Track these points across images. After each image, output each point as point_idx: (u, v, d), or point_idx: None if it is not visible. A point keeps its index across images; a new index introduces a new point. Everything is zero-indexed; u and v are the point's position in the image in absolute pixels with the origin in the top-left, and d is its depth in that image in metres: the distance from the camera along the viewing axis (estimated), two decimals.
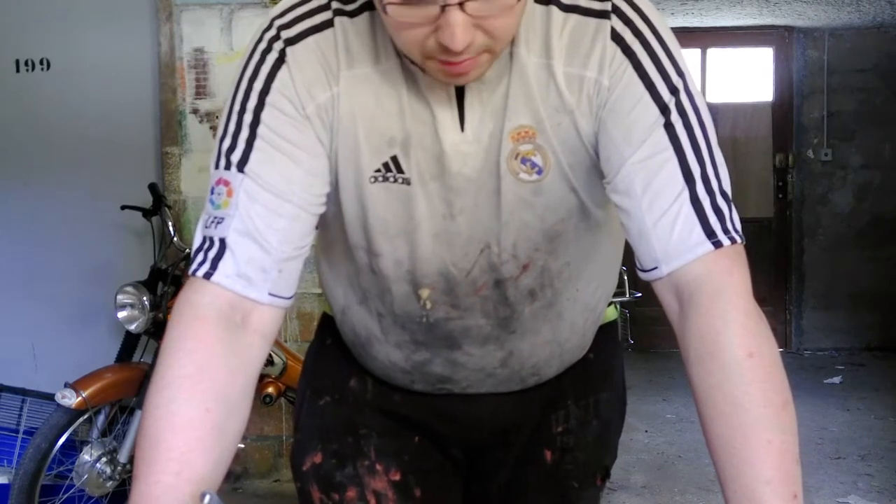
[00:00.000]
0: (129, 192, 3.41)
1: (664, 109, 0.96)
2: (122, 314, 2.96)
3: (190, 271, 0.96)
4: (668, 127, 0.96)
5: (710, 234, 0.94)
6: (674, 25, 5.83)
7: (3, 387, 3.22)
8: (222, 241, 0.95)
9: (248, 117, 0.97)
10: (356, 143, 1.01)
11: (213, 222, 0.96)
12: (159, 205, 3.18)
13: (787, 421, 0.87)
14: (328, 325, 1.31)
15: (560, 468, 1.27)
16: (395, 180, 1.02)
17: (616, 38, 0.97)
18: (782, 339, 6.08)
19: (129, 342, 3.08)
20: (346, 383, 1.27)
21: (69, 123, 3.67)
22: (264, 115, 0.97)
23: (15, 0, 3.67)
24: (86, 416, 2.84)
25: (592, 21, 0.98)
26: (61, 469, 2.95)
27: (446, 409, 1.24)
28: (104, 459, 2.90)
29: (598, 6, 0.98)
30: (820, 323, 6.19)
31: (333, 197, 1.04)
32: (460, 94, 1.00)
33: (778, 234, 6.21)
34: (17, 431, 3.14)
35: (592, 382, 1.30)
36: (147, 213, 3.21)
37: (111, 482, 2.91)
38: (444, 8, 0.86)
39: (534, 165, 1.02)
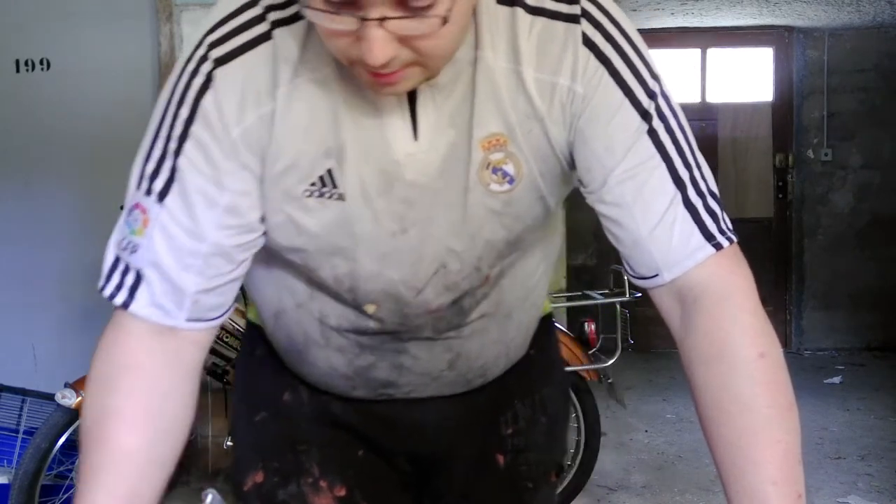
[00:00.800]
0: None
1: (645, 115, 0.93)
2: None
3: (107, 294, 0.95)
4: (652, 133, 0.93)
5: (708, 237, 0.93)
6: (674, 25, 5.84)
7: (3, 387, 3.21)
8: (138, 273, 0.93)
9: (172, 145, 0.92)
10: (290, 160, 0.94)
11: (127, 246, 0.94)
12: None
13: (792, 422, 0.88)
14: (255, 336, 1.24)
15: (513, 470, 1.25)
16: (330, 196, 0.95)
17: (588, 43, 0.92)
18: (782, 339, 5.97)
19: None
20: (280, 397, 1.21)
21: (69, 123, 3.67)
22: (187, 147, 0.92)
23: (15, 0, 3.67)
24: None
25: (560, 25, 0.92)
26: (61, 469, 2.95)
27: (387, 415, 1.19)
28: None
29: (565, 9, 0.93)
30: (820, 323, 6.18)
31: (265, 217, 0.98)
32: (412, 98, 0.93)
33: (778, 234, 6.20)
34: (17, 431, 3.14)
35: (536, 379, 1.28)
36: None
37: None
38: (363, 20, 0.79)
39: (505, 175, 0.96)
